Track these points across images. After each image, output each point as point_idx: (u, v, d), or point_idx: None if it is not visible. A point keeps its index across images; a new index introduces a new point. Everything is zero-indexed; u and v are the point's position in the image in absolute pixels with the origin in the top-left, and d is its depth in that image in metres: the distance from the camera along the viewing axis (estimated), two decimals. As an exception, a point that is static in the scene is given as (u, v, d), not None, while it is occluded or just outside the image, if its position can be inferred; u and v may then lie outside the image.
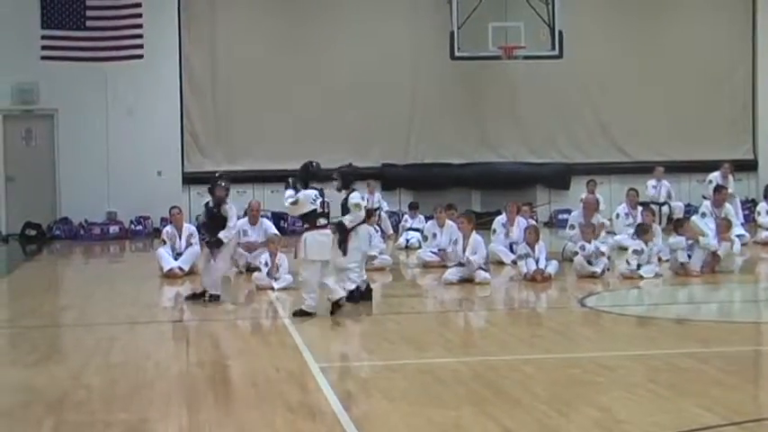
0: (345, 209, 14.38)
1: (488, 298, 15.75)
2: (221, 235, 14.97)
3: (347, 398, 8.78)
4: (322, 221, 13.49)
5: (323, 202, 13.51)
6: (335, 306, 13.37)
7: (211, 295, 14.78)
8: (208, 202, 15.43)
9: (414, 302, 15.00)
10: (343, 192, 14.48)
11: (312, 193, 13.42)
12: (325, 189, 13.77)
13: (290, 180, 13.60)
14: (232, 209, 15.27)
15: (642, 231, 17.53)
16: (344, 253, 14.20)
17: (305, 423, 8.09)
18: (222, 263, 15.17)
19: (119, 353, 11.34)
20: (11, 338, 12.99)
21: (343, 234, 14.20)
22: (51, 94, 26.70)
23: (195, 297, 15.03)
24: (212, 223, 15.17)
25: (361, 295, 14.53)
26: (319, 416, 8.26)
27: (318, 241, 13.35)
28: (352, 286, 14.27)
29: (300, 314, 13.24)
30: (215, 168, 24.97)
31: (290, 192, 13.45)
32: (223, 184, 15.29)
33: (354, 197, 14.36)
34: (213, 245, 15.02)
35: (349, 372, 10.12)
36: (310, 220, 13.41)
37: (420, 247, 20.26)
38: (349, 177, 14.72)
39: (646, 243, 17.08)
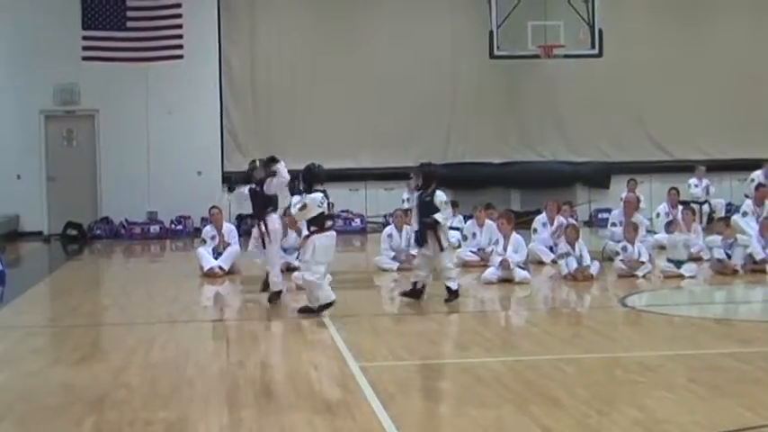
0: (426, 207, 14.39)
1: (528, 297, 15.71)
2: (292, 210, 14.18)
3: (386, 397, 8.77)
4: (329, 223, 13.47)
5: (329, 204, 13.49)
6: (322, 307, 13.36)
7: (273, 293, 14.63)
8: (251, 188, 14.94)
9: (453, 302, 14.95)
10: (419, 191, 14.70)
11: (318, 196, 13.31)
12: (327, 190, 13.68)
13: (294, 183, 13.58)
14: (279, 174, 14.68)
15: (670, 225, 17.84)
16: (441, 249, 14.29)
17: (344, 422, 8.09)
18: (275, 250, 14.94)
19: (159, 352, 11.39)
20: (53, 337, 13.09)
21: (430, 231, 14.29)
22: (92, 94, 26.91)
23: (276, 296, 14.80)
24: (259, 200, 14.78)
25: (414, 292, 14.54)
26: (358, 415, 8.26)
27: (326, 244, 13.34)
28: (455, 285, 14.46)
29: (307, 311, 13.32)
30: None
31: (296, 198, 13.43)
32: (258, 163, 14.98)
33: (441, 195, 14.44)
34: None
35: (388, 371, 10.10)
36: (318, 222, 13.33)
37: (460, 246, 20.24)
38: (430, 176, 14.82)
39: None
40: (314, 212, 13.29)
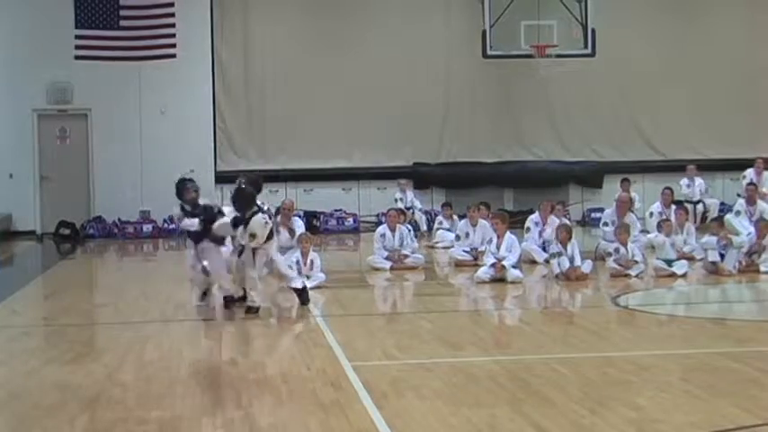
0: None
1: (521, 297, 15.71)
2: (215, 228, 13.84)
3: (380, 396, 8.77)
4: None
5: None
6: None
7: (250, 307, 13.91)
8: (182, 206, 14.25)
9: (446, 301, 14.96)
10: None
11: (261, 218, 13.44)
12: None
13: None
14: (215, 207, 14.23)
15: (661, 226, 17.99)
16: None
17: (337, 421, 8.08)
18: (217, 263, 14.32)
19: (153, 351, 11.38)
20: (47, 336, 13.07)
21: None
22: (85, 93, 26.87)
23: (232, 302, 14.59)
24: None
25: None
26: (352, 414, 8.26)
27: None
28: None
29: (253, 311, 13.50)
30: (248, 167, 25.08)
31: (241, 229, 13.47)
32: (189, 185, 14.32)
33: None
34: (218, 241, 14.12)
35: (382, 370, 10.10)
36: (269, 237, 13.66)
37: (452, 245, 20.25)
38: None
39: (668, 236, 17.52)
40: (266, 233, 13.44)
